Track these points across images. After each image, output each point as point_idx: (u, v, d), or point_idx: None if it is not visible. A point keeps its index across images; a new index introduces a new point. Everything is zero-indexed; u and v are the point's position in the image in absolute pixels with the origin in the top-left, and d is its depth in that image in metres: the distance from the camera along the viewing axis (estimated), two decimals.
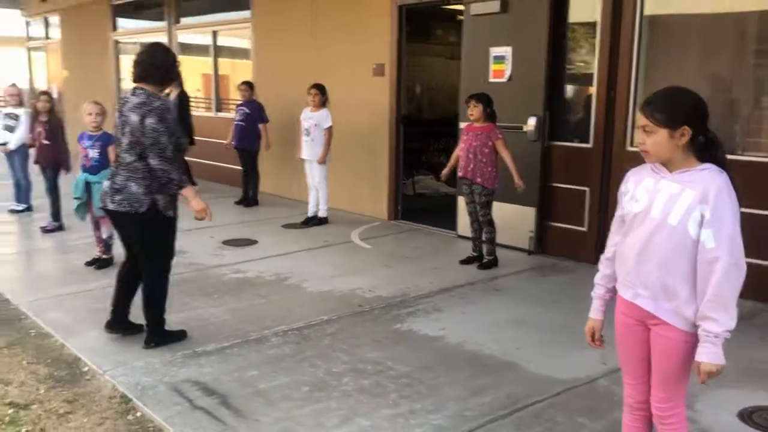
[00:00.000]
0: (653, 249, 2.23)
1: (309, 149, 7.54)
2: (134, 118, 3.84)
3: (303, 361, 3.92)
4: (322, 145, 7.43)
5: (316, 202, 7.71)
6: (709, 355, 2.16)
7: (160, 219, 3.95)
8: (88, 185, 5.65)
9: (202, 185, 10.59)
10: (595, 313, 2.50)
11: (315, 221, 7.65)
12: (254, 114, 8.63)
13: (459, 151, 5.94)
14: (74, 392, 3.56)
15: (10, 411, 3.34)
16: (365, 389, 3.57)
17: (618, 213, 2.42)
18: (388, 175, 7.96)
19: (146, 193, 3.88)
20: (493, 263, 5.92)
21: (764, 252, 4.91)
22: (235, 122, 8.71)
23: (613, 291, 2.47)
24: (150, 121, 3.80)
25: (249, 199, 8.82)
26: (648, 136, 2.21)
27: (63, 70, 15.20)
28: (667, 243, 2.20)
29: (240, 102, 8.87)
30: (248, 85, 8.81)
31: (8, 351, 4.10)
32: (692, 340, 2.25)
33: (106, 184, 4.06)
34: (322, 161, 7.48)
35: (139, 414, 3.33)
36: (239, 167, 9.06)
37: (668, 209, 2.19)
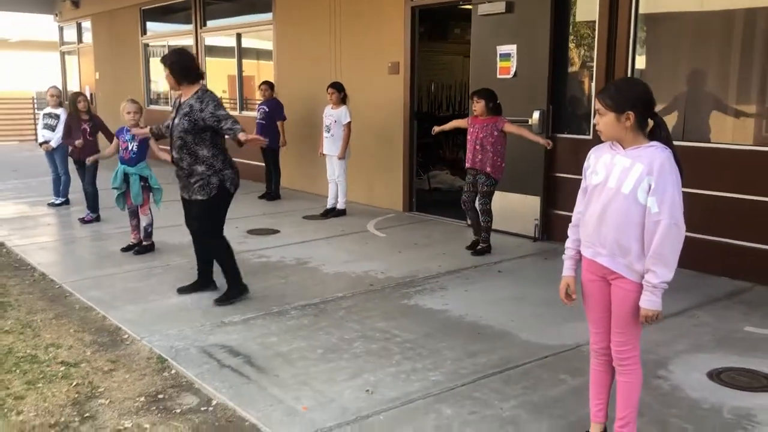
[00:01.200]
0: (610, 214, 2.62)
1: (329, 145, 7.99)
2: None
3: (319, 330, 4.36)
4: (341, 140, 7.88)
5: (335, 195, 8.15)
6: (647, 302, 2.56)
7: None
8: (126, 176, 6.16)
9: None
10: (567, 271, 2.90)
11: (334, 213, 8.10)
12: (274, 112, 9.10)
13: (459, 123, 6.39)
14: (116, 354, 4.04)
15: (62, 368, 3.82)
16: (373, 352, 4.00)
17: (582, 185, 2.81)
18: (403, 168, 8.38)
19: None
20: (487, 250, 6.28)
21: (760, 235, 5.23)
22: (257, 121, 9.17)
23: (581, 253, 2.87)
24: None
25: (272, 194, 9.30)
26: (600, 118, 2.62)
27: (95, 73, 15.86)
28: (621, 208, 2.59)
29: (261, 101, 9.34)
30: (268, 85, 9.28)
31: (57, 321, 4.60)
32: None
33: None
34: (342, 156, 7.92)
35: (173, 371, 3.79)
36: (262, 163, 9.54)
37: (621, 180, 2.58)
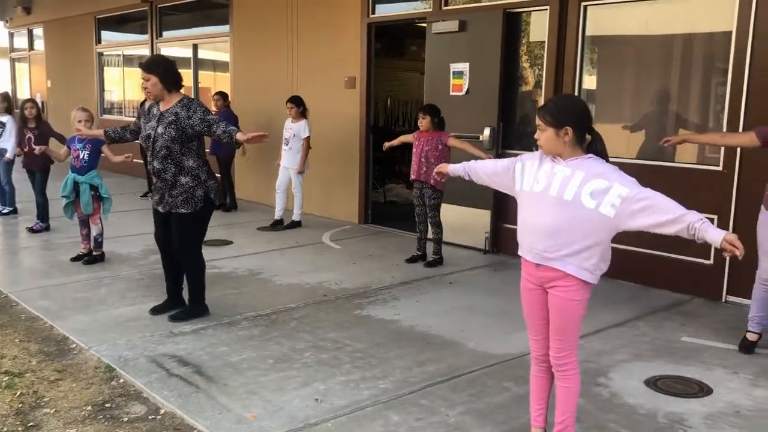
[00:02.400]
0: (556, 219, 2.72)
1: (288, 158, 8.04)
2: None
3: (269, 340, 4.39)
4: (299, 154, 7.92)
5: (283, 207, 8.17)
6: (718, 232, 2.48)
7: None
8: (76, 185, 6.09)
9: None
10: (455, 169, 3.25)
11: (283, 225, 8.08)
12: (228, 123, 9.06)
13: (406, 139, 6.55)
14: (63, 364, 4.00)
15: (6, 378, 3.76)
16: (323, 361, 4.04)
17: (506, 164, 2.98)
18: (359, 181, 8.47)
19: None
20: (439, 261, 6.43)
21: (697, 250, 5.46)
22: None
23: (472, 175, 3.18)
24: None
25: (229, 204, 9.23)
26: (541, 133, 2.75)
27: (47, 80, 15.56)
28: (566, 213, 2.69)
29: (214, 112, 9.31)
30: (222, 96, 9.29)
31: (1, 332, 4.52)
32: (584, 295, 2.75)
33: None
34: (300, 170, 7.97)
35: (121, 380, 3.77)
36: (217, 175, 9.48)
37: (563, 188, 2.71)
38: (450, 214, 6.93)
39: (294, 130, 7.95)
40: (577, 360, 2.89)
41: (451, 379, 3.82)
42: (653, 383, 3.84)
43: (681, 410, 3.49)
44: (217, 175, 9.21)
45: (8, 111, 8.36)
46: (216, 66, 11.49)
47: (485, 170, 3.11)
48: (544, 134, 2.74)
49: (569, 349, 2.83)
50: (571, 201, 2.68)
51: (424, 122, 6.24)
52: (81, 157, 6.11)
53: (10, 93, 9.75)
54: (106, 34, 13.79)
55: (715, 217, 5.41)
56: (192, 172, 4.60)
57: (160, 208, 4.72)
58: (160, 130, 4.55)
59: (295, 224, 8.14)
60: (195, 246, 4.76)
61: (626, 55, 6.14)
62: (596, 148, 2.75)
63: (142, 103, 7.95)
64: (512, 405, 3.51)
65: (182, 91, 4.74)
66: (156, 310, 4.86)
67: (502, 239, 6.90)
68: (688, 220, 2.52)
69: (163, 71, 4.59)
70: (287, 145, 7.99)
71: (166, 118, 4.57)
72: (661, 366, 4.10)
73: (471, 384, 3.77)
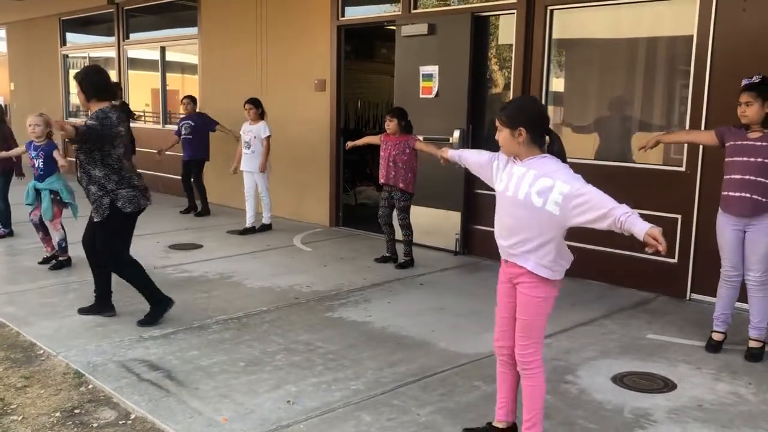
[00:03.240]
0: (513, 218, 2.83)
1: (250, 161, 7.95)
2: None
3: (241, 344, 4.38)
4: (261, 155, 7.89)
5: (254, 213, 8.12)
6: (643, 224, 2.53)
7: None
8: (37, 192, 6.00)
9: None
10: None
11: (254, 230, 8.04)
12: (200, 126, 9.02)
13: (372, 140, 6.60)
14: (30, 370, 3.94)
15: None
16: (295, 363, 4.05)
17: (491, 157, 3.04)
18: (329, 183, 8.47)
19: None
20: (410, 263, 6.47)
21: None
22: (183, 137, 9.03)
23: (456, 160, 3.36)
24: None
25: (202, 209, 9.14)
26: (499, 134, 2.87)
27: (10, 83, 15.27)
28: (521, 212, 2.79)
29: (183, 116, 9.23)
30: (191, 99, 9.23)
31: None
32: (548, 293, 2.81)
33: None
34: (263, 169, 7.91)
35: (91, 386, 3.73)
36: (177, 176, 9.42)
37: (517, 187, 2.80)
38: (421, 215, 6.98)
39: (254, 131, 7.89)
40: (542, 359, 2.94)
41: (422, 379, 3.85)
42: (620, 380, 3.92)
43: (646, 405, 3.57)
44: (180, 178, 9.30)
45: None
46: (184, 68, 11.40)
47: (472, 159, 3.21)
48: (501, 134, 2.86)
49: (533, 347, 2.89)
50: (523, 200, 2.78)
51: (391, 125, 6.26)
52: (36, 165, 6.02)
53: None
54: (71, 36, 13.60)
55: (679, 216, 5.54)
56: (99, 182, 4.58)
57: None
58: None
59: (266, 227, 8.11)
60: (114, 252, 4.71)
61: (592, 57, 6.26)
62: (554, 149, 2.83)
63: None
64: (482, 403, 3.55)
65: (113, 101, 4.84)
66: (83, 311, 4.91)
67: (472, 241, 6.96)
68: (615, 214, 2.56)
69: (81, 80, 4.66)
70: (249, 148, 7.92)
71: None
72: (628, 363, 4.18)
73: (442, 383, 3.81)
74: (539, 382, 2.92)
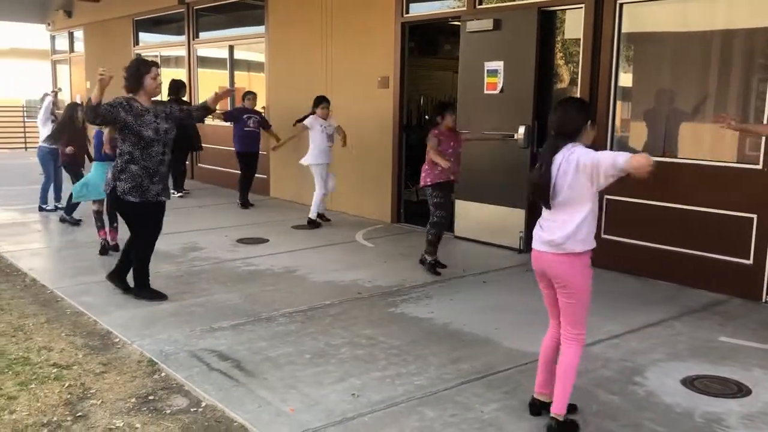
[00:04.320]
0: None
1: (331, 154, 8.22)
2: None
3: (306, 336, 4.46)
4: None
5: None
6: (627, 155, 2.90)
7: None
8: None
9: (214, 190, 11.22)
10: None
11: (320, 225, 8.19)
12: (263, 121, 9.49)
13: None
14: (107, 357, 4.12)
15: (55, 370, 3.90)
16: (359, 357, 4.10)
17: None
18: (391, 180, 8.52)
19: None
20: (423, 262, 6.23)
21: (735, 249, 5.41)
22: (249, 129, 9.32)
23: None
24: None
25: (243, 202, 9.46)
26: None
27: (86, 82, 15.91)
28: None
29: (249, 110, 9.49)
30: (255, 95, 9.62)
31: (48, 325, 4.67)
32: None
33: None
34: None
35: (163, 374, 3.88)
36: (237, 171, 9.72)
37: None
38: (484, 213, 6.95)
39: (333, 126, 8.19)
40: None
41: (486, 377, 3.85)
42: (690, 383, 3.81)
43: (719, 410, 3.47)
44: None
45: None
46: (251, 66, 11.63)
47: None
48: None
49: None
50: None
51: (449, 120, 5.98)
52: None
53: (55, 94, 10.20)
54: (144, 36, 14.07)
55: (755, 216, 5.34)
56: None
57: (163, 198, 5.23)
58: (166, 125, 5.14)
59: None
60: (135, 234, 5.23)
61: (663, 52, 6.07)
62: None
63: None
64: None
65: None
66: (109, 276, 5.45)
67: None
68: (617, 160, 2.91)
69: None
70: (333, 141, 8.18)
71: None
72: (698, 366, 4.07)
73: (506, 381, 3.80)
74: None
